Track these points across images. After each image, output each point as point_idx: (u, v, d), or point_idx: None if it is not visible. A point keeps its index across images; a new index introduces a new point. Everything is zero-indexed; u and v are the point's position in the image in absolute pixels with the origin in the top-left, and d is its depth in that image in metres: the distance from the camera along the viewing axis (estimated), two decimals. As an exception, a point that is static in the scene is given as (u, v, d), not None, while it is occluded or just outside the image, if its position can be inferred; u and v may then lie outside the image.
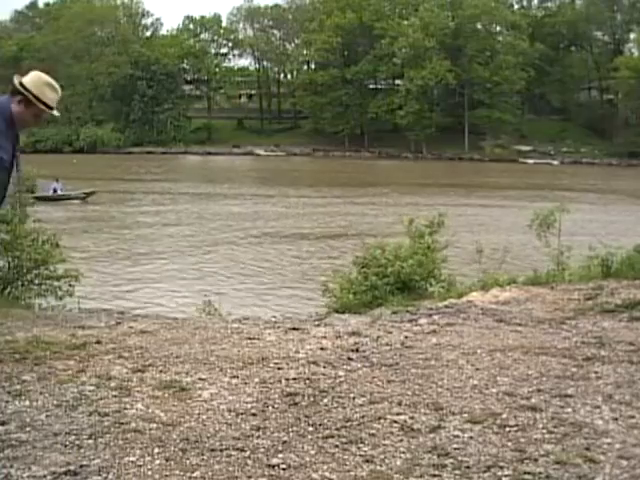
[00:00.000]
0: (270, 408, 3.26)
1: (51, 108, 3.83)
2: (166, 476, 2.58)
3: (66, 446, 2.82)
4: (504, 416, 3.15)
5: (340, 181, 43.31)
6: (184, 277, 17.33)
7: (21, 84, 3.78)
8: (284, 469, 2.63)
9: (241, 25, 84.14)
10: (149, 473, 2.60)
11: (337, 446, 2.84)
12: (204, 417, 3.15)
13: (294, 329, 4.82)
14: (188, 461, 2.70)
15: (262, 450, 2.79)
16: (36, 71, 3.92)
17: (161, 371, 3.83)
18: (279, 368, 3.82)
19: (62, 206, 30.29)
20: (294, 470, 2.62)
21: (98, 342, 4.46)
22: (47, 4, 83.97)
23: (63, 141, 67.67)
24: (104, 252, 20.48)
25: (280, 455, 2.74)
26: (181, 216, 29.21)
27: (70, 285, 8.56)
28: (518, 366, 3.87)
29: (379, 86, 75.69)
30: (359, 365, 3.94)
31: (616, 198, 34.57)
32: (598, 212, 28.98)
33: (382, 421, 3.09)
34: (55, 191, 32.55)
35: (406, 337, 4.57)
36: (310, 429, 3.01)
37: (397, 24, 69.91)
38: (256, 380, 3.66)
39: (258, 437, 2.92)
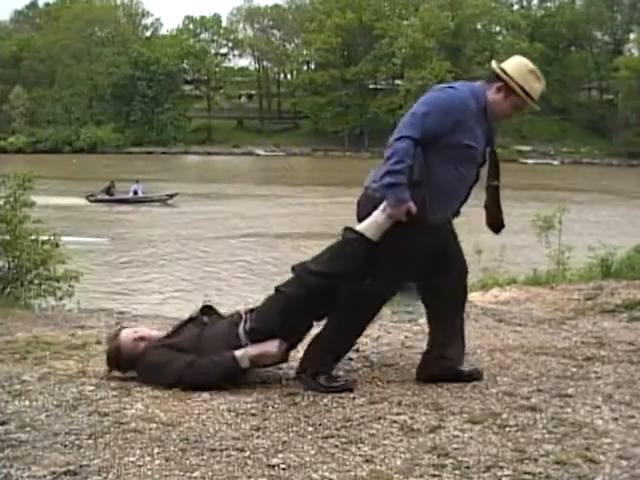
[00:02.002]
0: (270, 408, 3.27)
1: (533, 100, 3.53)
2: (166, 476, 2.58)
3: (66, 446, 2.82)
4: (504, 416, 3.15)
5: (340, 181, 43.28)
6: (184, 277, 17.34)
7: (502, 70, 3.50)
8: (284, 469, 2.63)
9: (241, 25, 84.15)
10: (149, 473, 2.60)
11: (337, 446, 2.84)
12: (204, 417, 3.15)
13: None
14: (188, 461, 2.70)
15: (262, 450, 2.79)
16: (519, 56, 3.63)
17: (161, 371, 3.83)
18: (279, 368, 3.83)
19: (145, 208, 30.08)
20: (294, 470, 2.63)
21: (98, 342, 4.46)
22: (47, 4, 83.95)
23: (63, 141, 67.64)
24: (103, 252, 20.48)
25: (280, 455, 2.75)
26: (181, 216, 29.22)
27: (70, 285, 8.57)
28: (518, 366, 3.87)
29: (379, 86, 75.63)
30: (359, 365, 3.94)
31: (616, 198, 34.57)
32: (598, 212, 29.00)
33: (382, 421, 3.09)
34: (135, 193, 32.28)
35: (406, 337, 4.57)
36: (310, 429, 3.01)
37: (397, 24, 69.89)
38: (256, 380, 3.67)
39: (258, 437, 2.93)
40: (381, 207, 3.49)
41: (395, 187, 3.39)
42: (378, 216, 3.51)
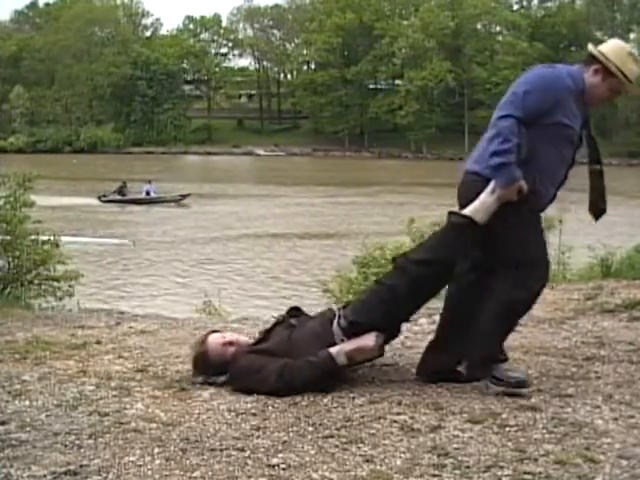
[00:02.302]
0: (270, 408, 3.27)
1: (631, 82, 3.44)
2: (166, 476, 2.58)
3: (66, 446, 2.83)
4: (504, 416, 3.16)
5: (340, 181, 43.34)
6: (184, 277, 17.35)
7: (600, 52, 3.48)
8: (284, 469, 2.63)
9: (241, 25, 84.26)
10: (149, 473, 2.60)
11: (337, 446, 2.84)
12: (204, 417, 3.15)
13: (294, 329, 4.81)
14: (188, 461, 2.70)
15: (262, 450, 2.79)
16: (616, 39, 3.57)
17: (161, 371, 3.83)
18: (279, 368, 3.82)
19: (157, 208, 29.99)
20: (294, 470, 2.63)
21: (98, 342, 4.46)
22: (47, 4, 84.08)
23: (63, 141, 67.76)
24: (103, 252, 20.48)
25: (280, 455, 2.75)
26: (181, 216, 29.22)
27: (70, 285, 8.57)
28: (518, 366, 3.87)
29: (379, 86, 75.70)
30: (359, 365, 3.94)
31: (616, 198, 34.55)
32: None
33: (382, 421, 3.09)
34: (148, 193, 32.09)
35: (406, 337, 4.57)
36: (310, 429, 3.01)
37: (397, 24, 69.97)
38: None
39: (258, 437, 2.93)
40: (488, 189, 3.40)
41: (505, 167, 3.31)
42: (486, 198, 3.40)
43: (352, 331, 3.48)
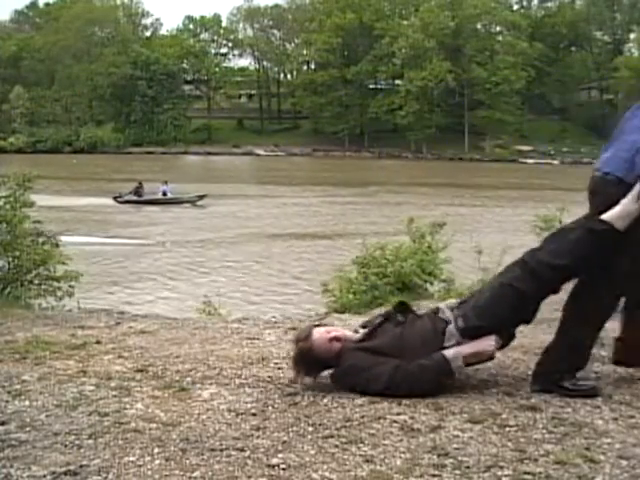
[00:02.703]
0: (270, 408, 3.27)
1: None
2: (166, 476, 2.58)
3: (66, 446, 2.83)
4: (504, 416, 3.15)
5: (340, 181, 43.36)
6: (184, 277, 17.35)
7: None
8: (284, 469, 2.63)
9: (241, 25, 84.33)
10: (149, 473, 2.60)
11: (337, 446, 2.84)
12: (204, 417, 3.15)
13: (294, 329, 4.82)
14: (188, 461, 2.70)
15: (262, 450, 2.79)
16: None
17: (161, 371, 3.83)
18: (279, 368, 3.83)
19: (174, 209, 29.88)
20: (294, 470, 2.63)
21: (98, 342, 4.46)
22: (47, 4, 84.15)
23: (63, 141, 67.80)
24: (102, 252, 20.48)
25: (280, 455, 2.75)
26: (181, 216, 29.22)
27: (70, 285, 8.57)
28: (518, 366, 3.86)
29: (379, 86, 75.79)
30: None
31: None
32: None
33: (382, 421, 3.09)
34: (164, 194, 31.87)
35: (406, 337, 4.56)
36: (310, 429, 3.01)
37: (397, 24, 70.05)
38: (256, 380, 3.66)
39: (258, 437, 2.93)
40: (631, 195, 3.30)
41: None
42: (629, 204, 3.28)
43: (472, 334, 3.35)
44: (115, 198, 31.17)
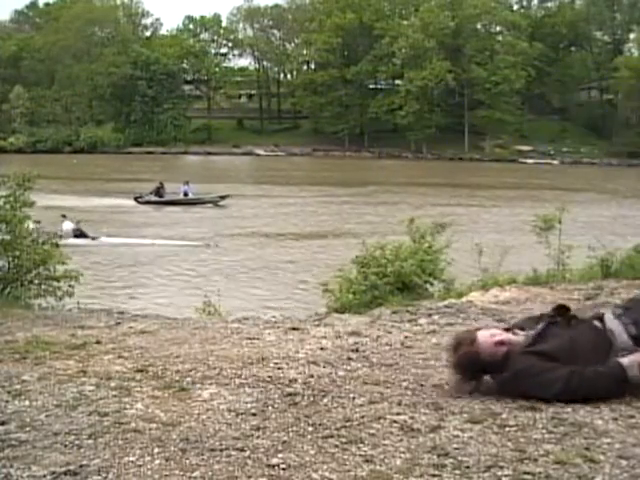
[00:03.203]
0: (270, 408, 3.27)
1: None
2: (166, 476, 2.58)
3: (66, 446, 2.82)
4: (504, 416, 3.15)
5: (340, 181, 43.36)
6: (184, 277, 17.34)
7: None
8: (284, 469, 2.63)
9: (241, 25, 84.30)
10: (149, 473, 2.60)
11: (337, 446, 2.84)
12: (204, 417, 3.15)
13: (294, 329, 4.82)
14: (188, 461, 2.70)
15: (262, 450, 2.79)
16: None
17: (161, 371, 3.83)
18: (279, 368, 3.82)
19: (197, 209, 29.70)
20: (294, 470, 2.62)
21: (98, 342, 4.46)
22: (47, 4, 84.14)
23: (63, 141, 67.78)
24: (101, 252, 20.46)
25: (280, 455, 2.75)
26: (181, 215, 29.21)
27: (70, 285, 8.56)
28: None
29: (379, 86, 75.78)
30: (359, 365, 3.93)
31: (616, 198, 34.57)
32: (598, 212, 28.99)
33: (382, 421, 3.09)
34: (186, 194, 31.60)
35: (406, 337, 4.57)
36: (310, 429, 3.01)
37: (397, 24, 70.05)
38: (256, 380, 3.66)
39: (258, 437, 2.93)
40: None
41: None
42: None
43: None
44: (136, 199, 30.82)
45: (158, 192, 31.36)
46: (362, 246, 9.17)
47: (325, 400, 3.35)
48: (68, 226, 20.47)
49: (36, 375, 3.71)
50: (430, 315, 5.37)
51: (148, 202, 30.84)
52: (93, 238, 20.69)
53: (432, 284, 8.73)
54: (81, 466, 2.64)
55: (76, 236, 20.20)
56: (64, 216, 21.06)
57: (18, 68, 73.01)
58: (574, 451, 2.77)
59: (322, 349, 4.25)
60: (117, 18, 78.89)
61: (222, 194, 31.68)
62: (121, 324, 5.15)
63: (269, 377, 3.71)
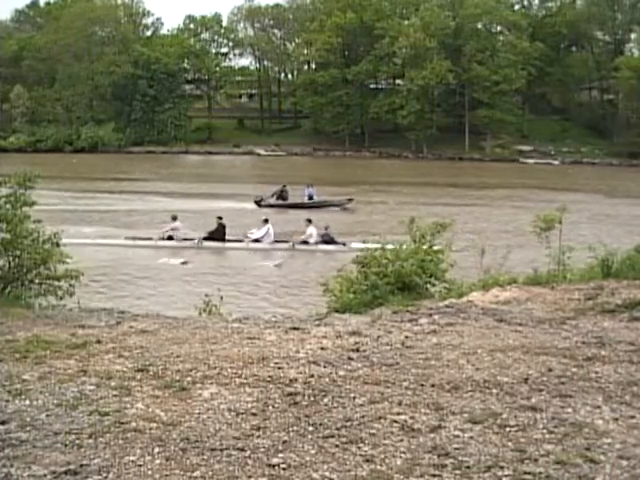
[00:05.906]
0: (270, 408, 3.26)
1: None
2: (166, 475, 2.58)
3: (66, 445, 2.82)
4: (504, 416, 3.15)
5: (340, 180, 43.30)
6: (184, 277, 17.31)
7: None
8: (284, 469, 2.63)
9: (242, 24, 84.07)
10: (149, 472, 2.60)
11: (337, 446, 2.84)
12: (204, 417, 3.15)
13: (294, 329, 4.82)
14: (188, 460, 2.70)
15: (262, 450, 2.79)
16: None
17: (161, 370, 3.83)
18: (279, 368, 3.82)
19: (323, 212, 29.01)
20: (294, 470, 2.62)
21: (98, 341, 4.46)
22: (48, 3, 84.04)
23: (64, 140, 67.64)
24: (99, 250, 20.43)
25: (280, 455, 2.74)
26: (180, 216, 29.12)
27: (70, 285, 8.54)
28: (518, 366, 3.86)
29: (380, 86, 75.66)
30: (359, 365, 3.93)
31: (617, 198, 34.57)
32: (599, 212, 28.96)
33: (382, 421, 3.09)
34: (310, 197, 30.98)
35: (406, 337, 4.57)
36: (310, 429, 3.01)
37: (397, 24, 69.92)
38: (256, 380, 3.66)
39: (258, 437, 2.92)
40: None
41: None
42: None
43: None
44: (257, 202, 30.07)
45: (282, 195, 30.52)
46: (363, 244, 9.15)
47: (325, 400, 3.35)
48: (313, 231, 20.13)
49: (36, 374, 3.71)
50: (430, 315, 5.37)
51: (270, 205, 29.82)
52: (343, 244, 20.35)
53: (433, 284, 8.72)
54: (81, 465, 2.64)
55: (325, 242, 20.06)
56: (309, 221, 20.54)
57: (19, 67, 72.91)
58: (574, 451, 2.77)
59: (323, 349, 4.25)
60: (118, 17, 78.74)
61: (349, 197, 30.66)
62: (121, 324, 5.15)
63: (269, 377, 3.70)
